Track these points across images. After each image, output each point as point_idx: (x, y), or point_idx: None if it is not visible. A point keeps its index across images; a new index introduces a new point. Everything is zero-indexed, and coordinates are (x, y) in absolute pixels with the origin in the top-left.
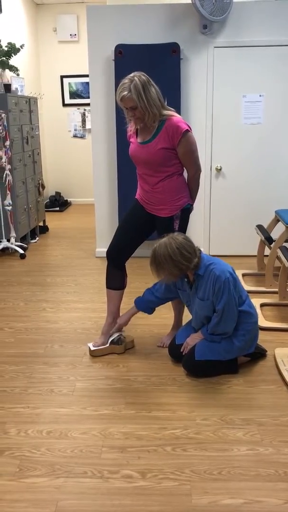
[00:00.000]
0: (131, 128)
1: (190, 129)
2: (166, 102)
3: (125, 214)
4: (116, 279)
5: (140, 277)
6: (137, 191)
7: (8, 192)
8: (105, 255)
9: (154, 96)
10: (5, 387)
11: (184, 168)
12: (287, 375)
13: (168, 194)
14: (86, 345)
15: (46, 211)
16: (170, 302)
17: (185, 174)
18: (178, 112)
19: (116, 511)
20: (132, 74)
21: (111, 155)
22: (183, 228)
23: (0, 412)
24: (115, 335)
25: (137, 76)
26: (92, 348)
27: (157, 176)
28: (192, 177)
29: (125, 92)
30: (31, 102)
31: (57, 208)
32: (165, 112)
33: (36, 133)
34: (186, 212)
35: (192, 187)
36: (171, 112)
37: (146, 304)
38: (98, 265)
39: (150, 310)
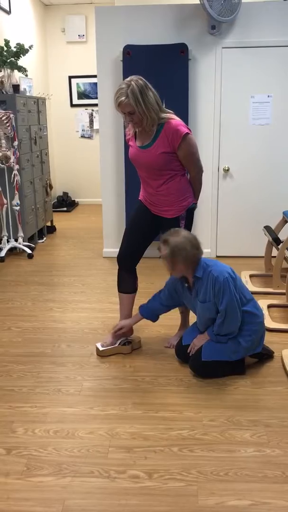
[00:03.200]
0: (129, 131)
1: (190, 131)
2: (164, 105)
3: (131, 217)
4: (128, 283)
5: (147, 278)
6: (141, 193)
7: (16, 192)
8: (112, 255)
9: (152, 100)
10: (12, 386)
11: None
12: None
13: (173, 195)
14: (93, 345)
15: (53, 211)
16: None
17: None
18: (186, 113)
19: (123, 511)
20: (129, 78)
21: (118, 155)
22: (188, 227)
23: (8, 411)
24: (122, 340)
25: (134, 80)
26: (101, 348)
27: (159, 179)
28: (194, 178)
29: (123, 98)
30: (39, 103)
31: (65, 208)
32: (163, 115)
33: (44, 133)
34: (191, 211)
35: (195, 187)
36: (169, 114)
37: (150, 311)
38: (106, 265)
39: (154, 317)
